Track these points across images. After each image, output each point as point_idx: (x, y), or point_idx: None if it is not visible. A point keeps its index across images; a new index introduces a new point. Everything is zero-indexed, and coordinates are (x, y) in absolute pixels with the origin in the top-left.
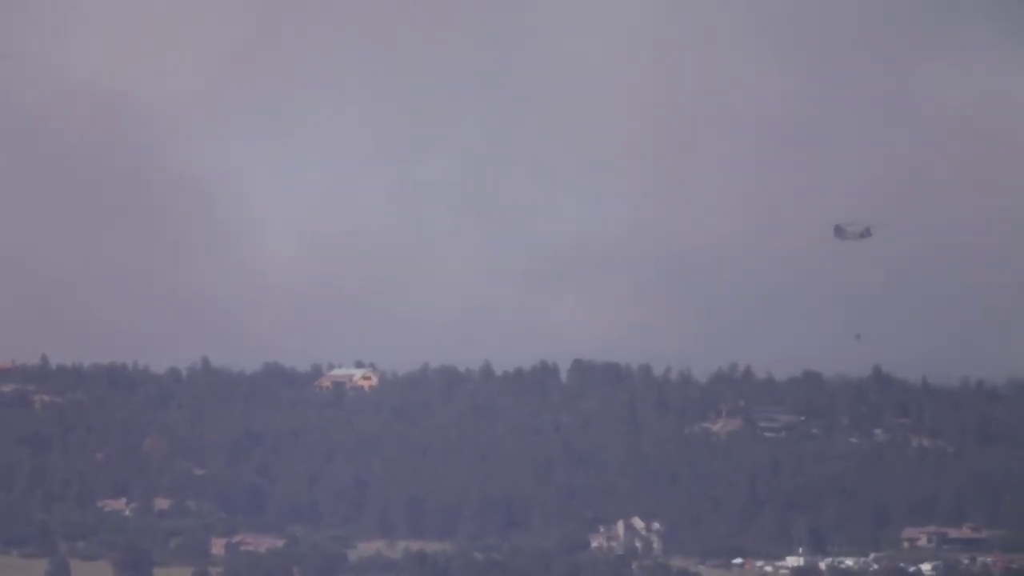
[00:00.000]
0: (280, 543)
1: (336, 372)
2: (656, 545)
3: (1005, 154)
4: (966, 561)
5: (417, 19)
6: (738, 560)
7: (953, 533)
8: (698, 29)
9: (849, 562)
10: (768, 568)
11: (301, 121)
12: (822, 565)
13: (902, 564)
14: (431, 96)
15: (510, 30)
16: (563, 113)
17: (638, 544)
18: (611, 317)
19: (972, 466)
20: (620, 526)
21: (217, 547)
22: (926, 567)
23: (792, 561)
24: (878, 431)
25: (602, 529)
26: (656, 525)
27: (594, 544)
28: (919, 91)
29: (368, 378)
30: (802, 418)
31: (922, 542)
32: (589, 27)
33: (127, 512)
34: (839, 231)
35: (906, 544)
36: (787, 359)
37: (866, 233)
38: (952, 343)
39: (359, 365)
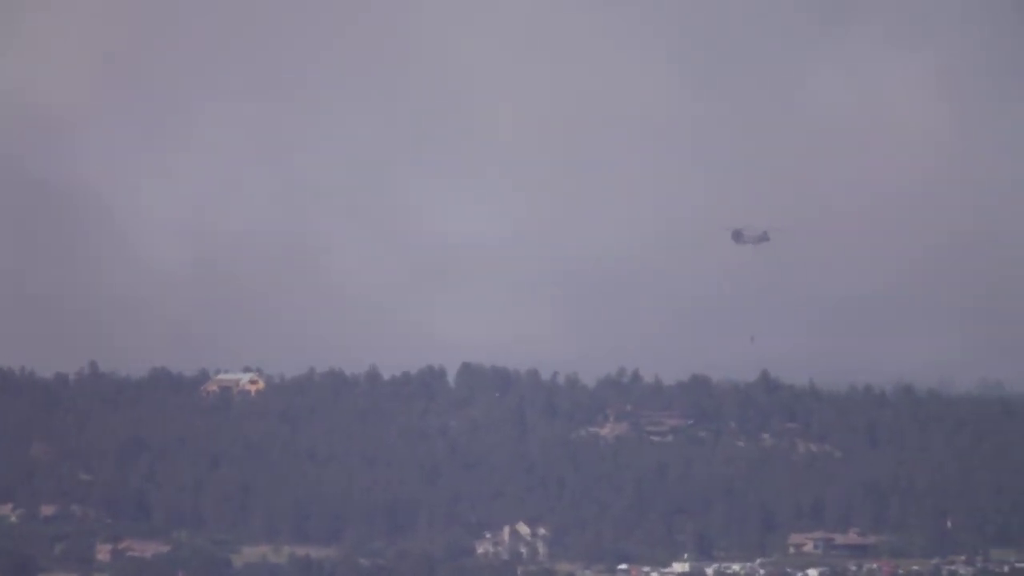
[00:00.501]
0: (166, 548)
1: (223, 377)
2: (542, 550)
3: (892, 157)
4: (853, 567)
5: (301, 19)
6: (624, 566)
7: (840, 538)
8: (588, 32)
9: (736, 567)
10: (654, 574)
11: (184, 122)
12: (708, 571)
13: (788, 569)
14: (315, 96)
15: (396, 30)
16: (452, 115)
17: (523, 549)
18: (499, 321)
19: (859, 471)
20: (506, 531)
21: (103, 553)
22: (812, 572)
23: (678, 567)
24: (765, 436)
25: (488, 534)
26: (542, 530)
27: (480, 550)
28: (806, 94)
29: (255, 383)
30: (689, 422)
31: (808, 547)
32: (478, 28)
33: (13, 518)
34: (737, 235)
35: (792, 549)
36: (675, 363)
37: (764, 237)
38: (839, 348)
39: (246, 370)
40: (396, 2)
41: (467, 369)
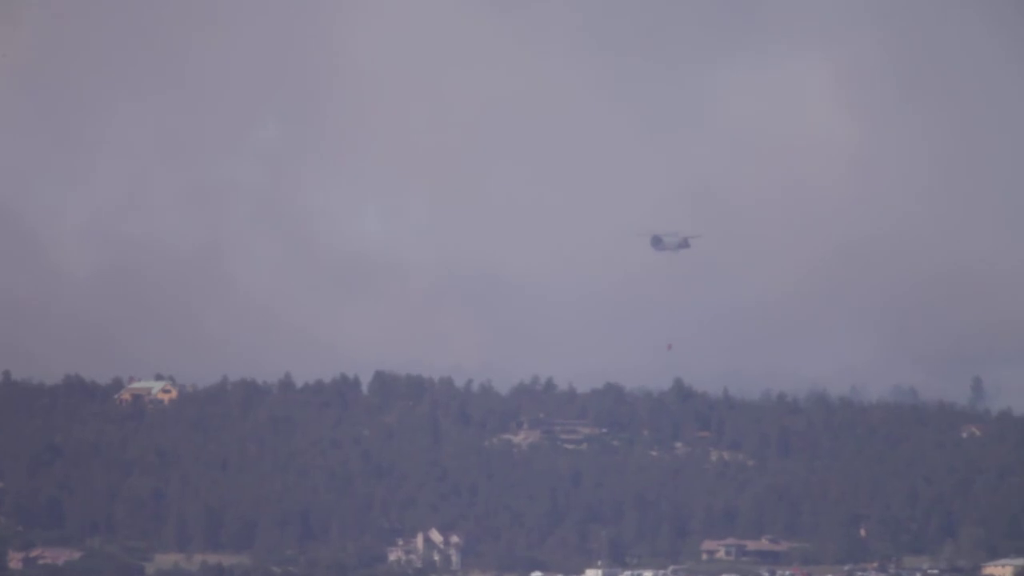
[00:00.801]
0: (78, 556)
1: (136, 385)
2: (455, 558)
3: (802, 163)
4: (765, 573)
5: (212, 24)
6: (537, 573)
7: (752, 545)
8: (500, 42)
9: (648, 574)
10: None
11: (94, 126)
12: None
13: None
14: (226, 100)
15: (307, 37)
16: (363, 124)
17: (436, 557)
18: (413, 329)
19: (772, 478)
20: (419, 539)
21: (15, 561)
22: None
23: (591, 573)
24: (678, 444)
25: (401, 542)
26: (455, 538)
27: (392, 557)
28: (717, 101)
29: (168, 391)
30: (603, 430)
31: (721, 554)
32: (392, 36)
33: None
34: (657, 242)
35: (705, 556)
36: (588, 371)
37: (684, 244)
38: (752, 356)
39: (159, 378)
40: (308, 9)
41: (381, 377)
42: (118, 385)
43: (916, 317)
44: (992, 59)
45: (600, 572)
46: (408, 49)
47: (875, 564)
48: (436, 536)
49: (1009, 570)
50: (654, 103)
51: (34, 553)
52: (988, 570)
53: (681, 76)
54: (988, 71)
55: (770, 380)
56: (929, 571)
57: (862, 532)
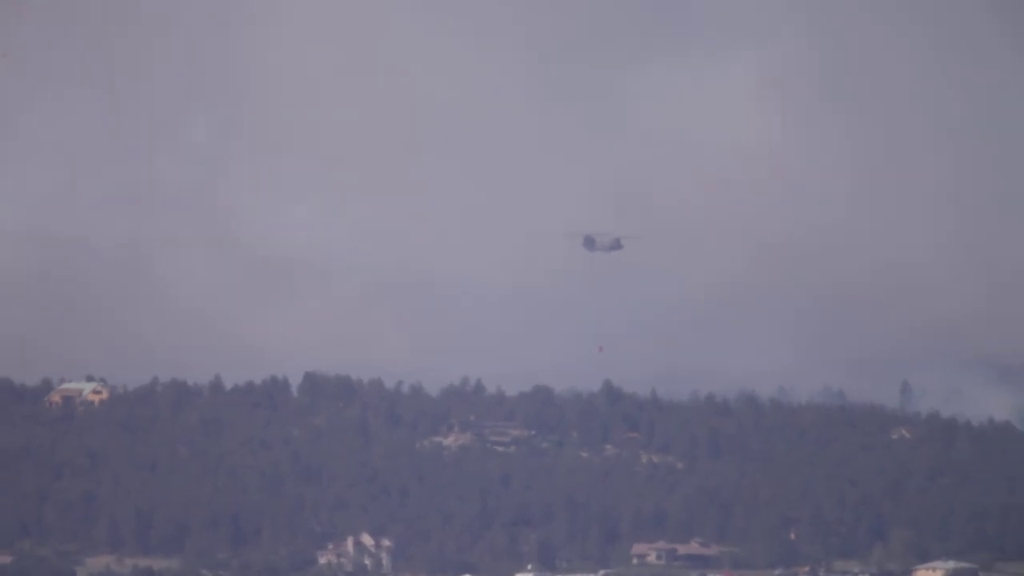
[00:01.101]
0: (8, 559)
1: (66, 387)
2: (385, 561)
3: (728, 165)
4: None
5: (142, 21)
6: None
7: (682, 549)
8: (430, 44)
9: None
10: None
11: (19, 125)
12: None
13: None
14: (154, 99)
15: (236, 35)
16: (290, 122)
17: (367, 560)
18: (342, 331)
19: (701, 481)
20: (349, 542)
21: None
22: None
23: None
24: (608, 446)
25: (331, 545)
26: (385, 541)
27: (323, 560)
28: (645, 103)
29: (98, 392)
30: (532, 432)
31: (651, 558)
32: (322, 35)
33: None
34: (589, 242)
35: (635, 560)
36: (517, 373)
37: (616, 245)
38: (679, 358)
39: (89, 379)
40: (242, 8)
41: (310, 379)
42: (48, 387)
43: (841, 319)
44: (915, 62)
45: (530, 575)
46: (340, 50)
47: (806, 568)
48: (367, 540)
49: (940, 573)
50: (581, 105)
51: None
52: (919, 573)
53: (608, 78)
54: (911, 74)
55: (697, 381)
56: (860, 574)
57: (792, 535)
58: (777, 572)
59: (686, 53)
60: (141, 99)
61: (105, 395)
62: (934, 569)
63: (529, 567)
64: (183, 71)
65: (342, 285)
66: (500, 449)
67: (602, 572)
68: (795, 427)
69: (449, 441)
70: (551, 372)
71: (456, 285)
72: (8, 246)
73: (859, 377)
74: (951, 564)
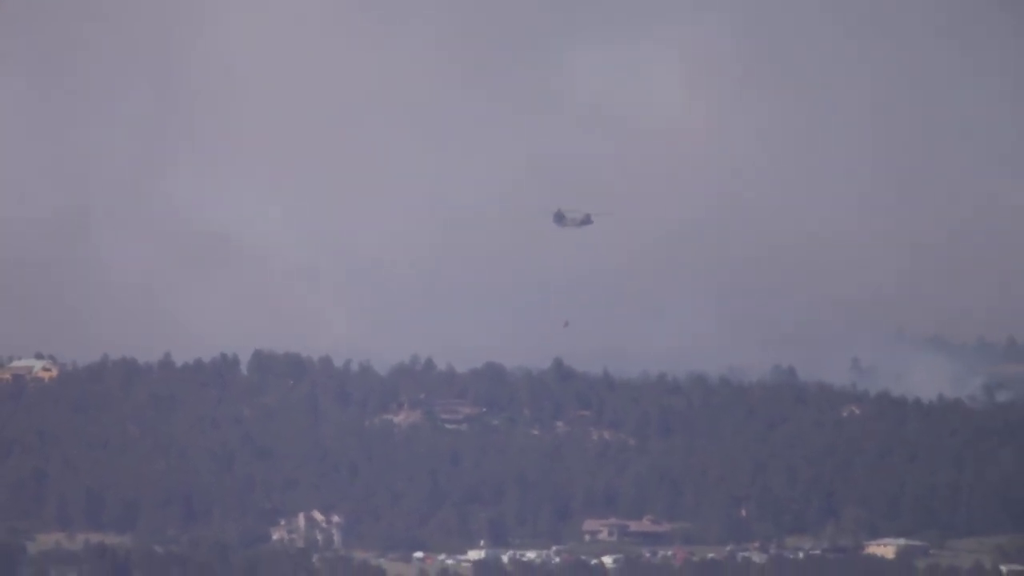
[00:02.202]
0: None
1: (16, 364)
2: (336, 538)
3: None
4: (647, 554)
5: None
6: (419, 553)
7: (634, 526)
8: (366, 23)
9: (531, 555)
10: (449, 561)
11: None
12: (504, 558)
13: (583, 557)
14: (89, 77)
15: (171, 14)
16: (233, 103)
17: (319, 537)
18: (291, 307)
19: (653, 459)
20: (301, 519)
21: None
22: (607, 560)
23: (473, 554)
24: (559, 423)
25: (283, 522)
26: (336, 518)
27: (275, 537)
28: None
29: (48, 370)
30: (483, 410)
31: (603, 535)
32: (255, 16)
33: None
34: (559, 218)
35: (587, 537)
36: (468, 350)
37: (586, 220)
38: (632, 336)
39: (39, 357)
40: None
41: (259, 356)
42: None
43: (761, 294)
44: (836, 40)
45: (482, 553)
46: (274, 28)
47: (756, 544)
48: (318, 516)
49: (891, 549)
50: (508, 85)
51: None
52: (870, 549)
53: (533, 58)
54: (833, 51)
55: (648, 360)
56: (811, 551)
57: (743, 512)
58: (728, 548)
59: (610, 32)
60: (77, 74)
61: (55, 373)
62: (885, 546)
63: (481, 544)
64: (119, 49)
65: (285, 263)
66: (451, 427)
67: (554, 548)
68: (745, 405)
69: (399, 419)
70: (501, 350)
71: (402, 263)
72: None
73: (811, 355)
74: (902, 541)
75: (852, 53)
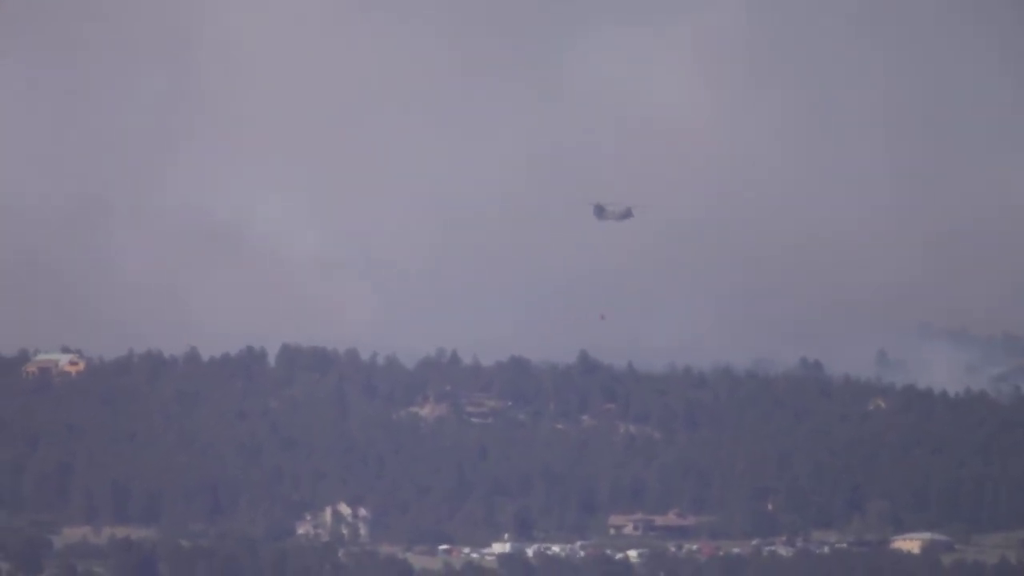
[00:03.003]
0: None
1: (42, 357)
2: (363, 531)
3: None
4: (673, 548)
5: None
6: (445, 546)
7: (659, 520)
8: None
9: (556, 549)
10: (475, 555)
11: None
12: (529, 552)
13: (609, 551)
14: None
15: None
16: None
17: (345, 530)
18: (318, 301)
19: (678, 452)
20: (327, 512)
21: None
22: (633, 554)
23: (498, 548)
24: (585, 417)
25: (309, 515)
26: (363, 511)
27: (301, 530)
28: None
29: (75, 364)
30: (509, 403)
31: (629, 529)
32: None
33: None
34: (599, 211)
35: (613, 531)
36: (494, 344)
37: (627, 214)
38: (660, 330)
39: (66, 350)
40: None
41: (287, 350)
42: (24, 357)
43: (772, 290)
44: (848, 33)
45: (507, 546)
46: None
47: (783, 538)
48: (344, 509)
49: (917, 543)
50: (513, 74)
51: None
52: (896, 544)
53: (539, 45)
54: (844, 45)
55: (675, 353)
56: (837, 545)
57: (769, 506)
58: (755, 542)
59: (620, 21)
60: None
61: (82, 366)
62: (911, 540)
63: (506, 537)
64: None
65: (311, 256)
66: (476, 420)
67: (579, 543)
68: (771, 399)
69: (425, 412)
70: (527, 343)
71: (428, 256)
72: None
73: (837, 349)
74: (928, 535)
75: (865, 42)
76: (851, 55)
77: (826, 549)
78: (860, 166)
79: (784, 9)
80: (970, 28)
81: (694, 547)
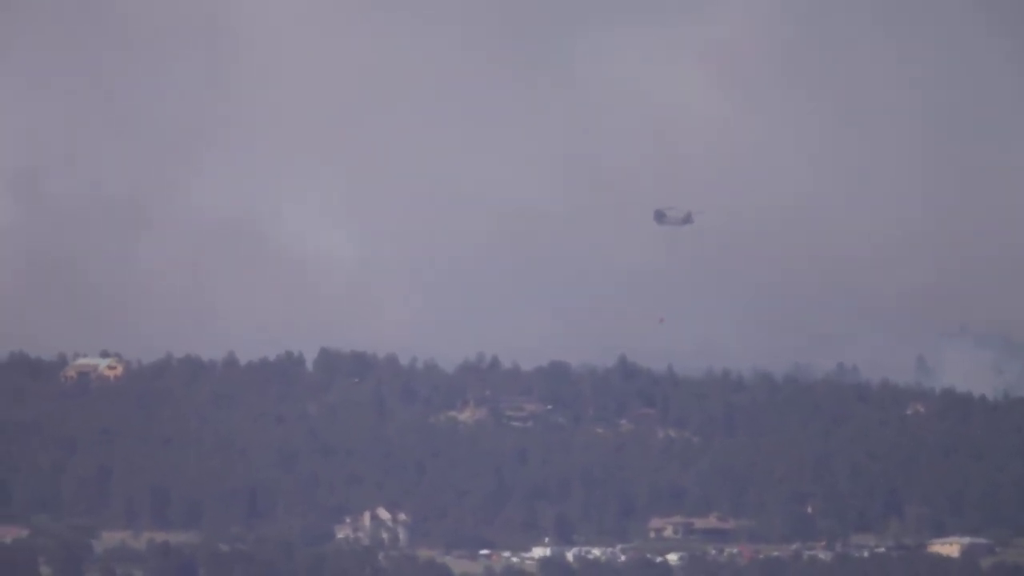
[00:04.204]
0: (25, 533)
1: (81, 362)
2: (402, 536)
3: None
4: (713, 551)
5: None
6: (484, 551)
7: (699, 523)
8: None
9: (596, 552)
10: (514, 559)
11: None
12: (569, 556)
13: (649, 555)
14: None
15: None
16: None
17: (384, 535)
18: (359, 306)
19: (718, 456)
20: (366, 517)
21: None
22: (673, 557)
23: (538, 552)
24: (624, 421)
25: (348, 520)
26: (402, 516)
27: (340, 535)
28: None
29: (113, 368)
30: (548, 407)
31: (668, 532)
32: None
33: None
34: (659, 216)
35: (652, 534)
36: (533, 348)
37: (688, 219)
38: (698, 333)
39: (104, 355)
40: None
41: (325, 354)
42: (63, 362)
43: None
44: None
45: (547, 550)
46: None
47: (822, 542)
48: (383, 514)
49: (956, 547)
50: (528, 70)
51: None
52: (935, 547)
53: (554, 41)
54: (872, 42)
55: (713, 357)
56: (876, 549)
57: (808, 510)
58: (794, 546)
59: (634, 18)
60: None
61: (120, 371)
62: (950, 544)
63: (546, 541)
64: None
65: (350, 261)
66: (516, 424)
67: (619, 546)
68: (810, 403)
69: (464, 416)
70: (567, 347)
71: (468, 260)
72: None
73: (875, 354)
74: (967, 540)
75: (896, 40)
76: (879, 48)
77: (865, 553)
78: (898, 168)
79: (814, 10)
80: (1008, 28)
81: (734, 550)
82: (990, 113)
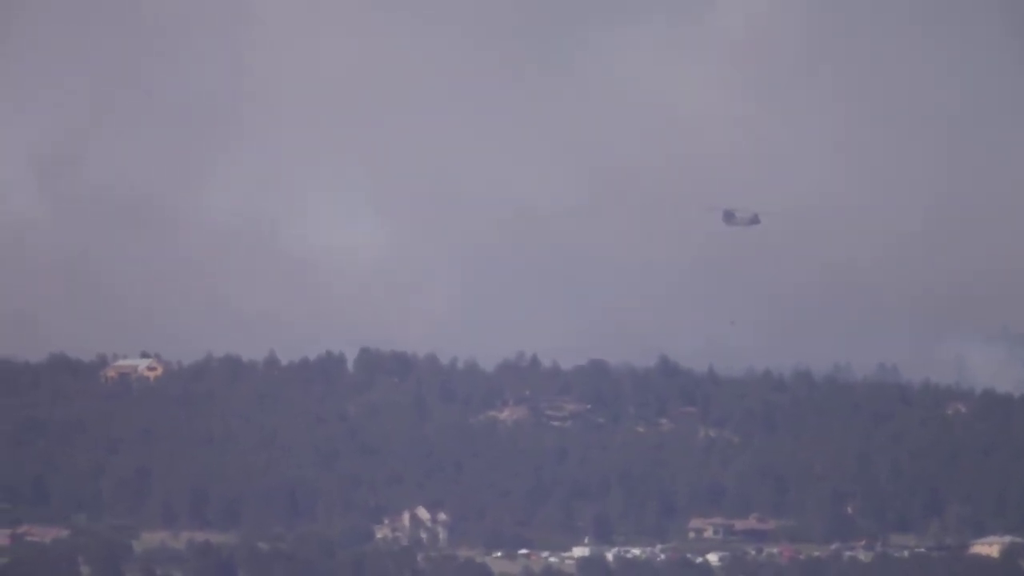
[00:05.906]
0: (65, 533)
1: (121, 362)
2: (442, 536)
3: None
4: (752, 552)
5: None
6: (524, 551)
7: (739, 524)
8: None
9: (636, 552)
10: (554, 559)
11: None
12: (608, 555)
13: (688, 555)
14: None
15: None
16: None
17: (423, 535)
18: (398, 306)
19: (758, 456)
20: (406, 516)
21: (1, 537)
22: (713, 557)
23: (578, 551)
24: (664, 421)
25: (387, 519)
26: (442, 515)
27: (379, 535)
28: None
29: (153, 368)
30: (588, 407)
31: (708, 533)
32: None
33: None
34: (728, 216)
35: (692, 535)
36: (573, 347)
37: (755, 220)
38: (738, 333)
39: (144, 355)
40: None
41: (366, 354)
42: (103, 362)
43: (896, 296)
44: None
45: (587, 550)
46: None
47: (862, 542)
48: (423, 514)
49: (996, 547)
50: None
51: (21, 530)
52: (976, 548)
53: (572, 43)
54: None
55: (754, 357)
56: (916, 549)
57: (849, 510)
58: (834, 546)
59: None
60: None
61: (160, 371)
62: (990, 544)
63: (586, 541)
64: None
65: (390, 262)
66: (556, 424)
67: (659, 546)
68: (850, 403)
69: (504, 416)
70: (606, 346)
71: (508, 260)
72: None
73: (915, 354)
74: (1007, 539)
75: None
76: (905, 46)
77: (905, 553)
78: (936, 167)
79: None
80: None
81: (774, 550)
82: None
